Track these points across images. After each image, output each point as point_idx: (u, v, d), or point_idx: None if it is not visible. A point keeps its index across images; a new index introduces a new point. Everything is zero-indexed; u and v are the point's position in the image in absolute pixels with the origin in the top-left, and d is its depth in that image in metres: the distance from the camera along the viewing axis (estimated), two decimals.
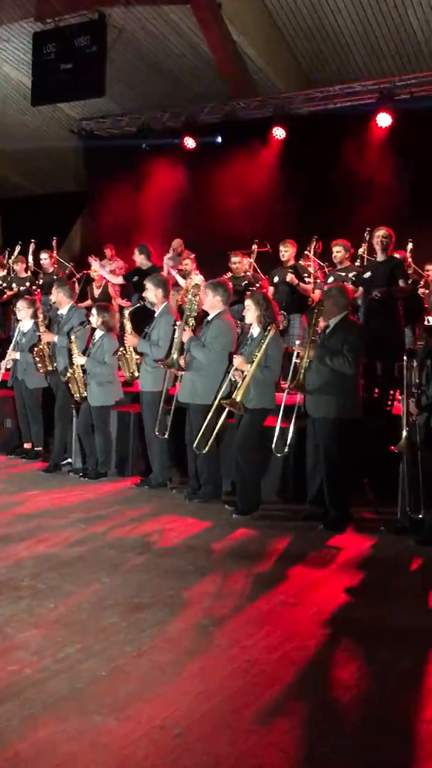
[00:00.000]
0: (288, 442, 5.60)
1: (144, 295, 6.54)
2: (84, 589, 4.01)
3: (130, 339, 6.52)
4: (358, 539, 5.09)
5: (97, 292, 9.60)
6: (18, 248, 10.69)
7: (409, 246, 8.15)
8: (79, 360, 6.72)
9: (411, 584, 4.38)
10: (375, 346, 6.25)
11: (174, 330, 6.10)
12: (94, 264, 9.53)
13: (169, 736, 2.65)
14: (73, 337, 6.76)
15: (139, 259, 8.79)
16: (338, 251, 7.89)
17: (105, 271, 9.43)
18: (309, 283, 8.00)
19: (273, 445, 5.63)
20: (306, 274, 8.05)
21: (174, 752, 2.55)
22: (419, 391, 4.94)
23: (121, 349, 6.74)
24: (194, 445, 5.73)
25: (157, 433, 6.19)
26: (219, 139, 11.80)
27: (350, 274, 7.46)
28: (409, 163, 9.96)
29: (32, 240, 10.50)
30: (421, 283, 7.98)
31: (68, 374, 6.79)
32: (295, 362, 5.48)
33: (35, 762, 2.48)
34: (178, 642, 3.41)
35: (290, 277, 7.92)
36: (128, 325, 6.67)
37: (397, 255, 7.48)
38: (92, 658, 3.22)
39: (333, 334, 5.39)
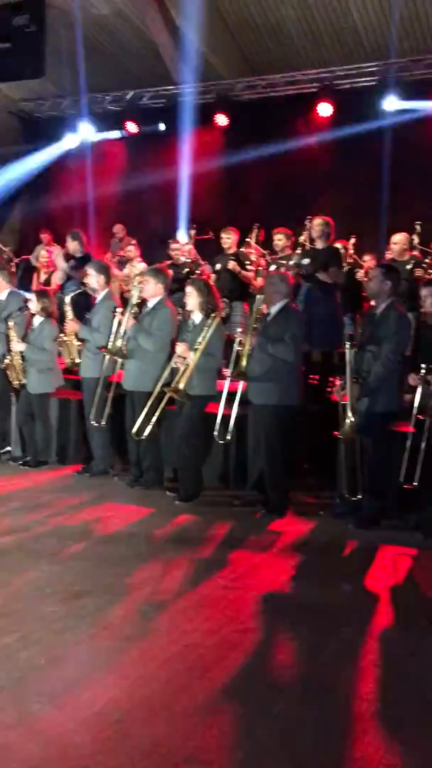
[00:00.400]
0: (230, 429, 5.63)
1: (85, 281, 6.46)
2: (23, 578, 3.97)
3: (71, 325, 6.45)
4: (298, 523, 5.17)
5: (43, 278, 9.42)
6: None
7: (352, 240, 8.29)
8: (17, 346, 6.60)
9: (347, 566, 4.48)
10: (314, 333, 6.34)
11: (114, 316, 6.05)
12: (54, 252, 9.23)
13: (108, 722, 2.65)
14: (11, 323, 6.63)
15: (72, 246, 8.63)
16: (279, 239, 7.96)
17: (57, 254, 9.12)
18: (251, 270, 8.03)
19: (216, 433, 5.66)
20: (248, 262, 8.08)
21: (113, 738, 2.56)
22: (361, 378, 5.02)
23: (62, 335, 6.67)
24: (133, 431, 5.72)
25: (93, 421, 6.14)
26: (162, 127, 11.69)
27: (290, 262, 7.52)
28: (350, 153, 10.07)
29: None
30: (361, 272, 8.11)
31: (6, 361, 6.66)
32: (237, 350, 5.50)
33: None
34: (118, 628, 3.42)
35: (232, 264, 7.94)
36: (69, 311, 6.59)
37: (338, 244, 7.60)
38: (31, 646, 3.20)
39: (274, 321, 5.44)
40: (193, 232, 9.06)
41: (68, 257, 8.51)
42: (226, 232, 8.28)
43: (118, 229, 10.33)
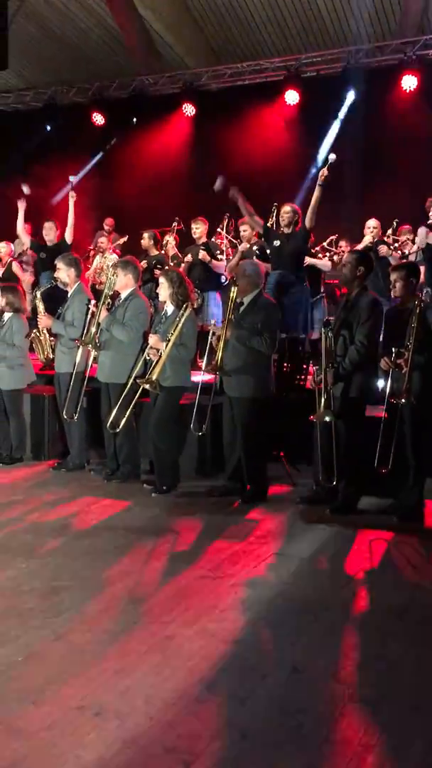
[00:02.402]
0: (206, 420, 5.62)
1: (56, 275, 6.39)
2: (0, 575, 3.94)
3: (44, 320, 6.38)
4: (275, 512, 5.17)
5: (1, 270, 9.29)
6: None
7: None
8: None
9: (324, 552, 4.49)
10: (284, 319, 6.34)
11: (88, 309, 6.00)
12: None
13: (87, 716, 2.64)
14: None
15: (48, 236, 8.57)
16: (245, 230, 7.92)
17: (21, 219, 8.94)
18: (221, 260, 8.01)
19: (191, 425, 5.65)
20: (218, 251, 8.06)
21: (92, 731, 2.55)
22: (336, 363, 5.03)
23: (35, 331, 6.60)
24: (108, 423, 5.69)
25: (65, 416, 6.10)
26: (134, 120, 11.56)
27: (254, 247, 7.55)
28: (317, 140, 10.09)
29: None
30: (336, 258, 8.16)
31: None
32: (211, 342, 5.48)
33: None
34: (97, 622, 3.40)
35: (202, 254, 7.91)
36: (41, 306, 6.52)
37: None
38: (8, 644, 3.17)
39: (247, 312, 5.42)
40: (174, 224, 8.99)
41: (44, 247, 8.45)
42: (195, 222, 8.26)
43: (109, 222, 10.29)
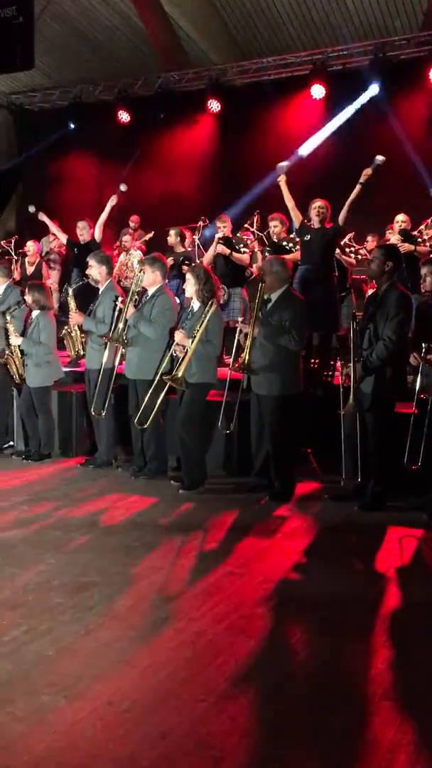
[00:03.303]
0: (233, 417, 5.62)
1: (87, 272, 6.44)
2: (29, 571, 3.96)
3: (75, 317, 6.42)
4: (303, 508, 5.15)
5: (30, 269, 9.37)
6: None
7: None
8: (15, 341, 6.58)
9: (353, 549, 4.47)
10: (311, 316, 6.30)
11: (115, 305, 6.02)
12: (44, 219, 9.09)
13: (117, 712, 2.65)
14: (8, 317, 6.61)
15: (82, 235, 8.63)
16: (275, 225, 7.92)
17: (54, 227, 9.03)
18: (245, 252, 7.99)
19: (219, 422, 5.64)
20: (241, 245, 8.03)
21: (122, 727, 2.56)
22: (362, 356, 4.99)
23: (66, 327, 6.65)
24: (135, 420, 5.71)
25: (93, 412, 6.13)
26: (162, 116, 11.54)
27: (287, 245, 7.52)
28: (344, 134, 10.00)
29: None
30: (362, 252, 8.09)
31: (6, 355, 6.64)
32: (239, 340, 5.46)
33: None
34: (126, 618, 3.41)
35: (220, 248, 7.90)
36: (72, 303, 6.57)
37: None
38: (39, 639, 3.19)
39: (275, 309, 5.40)
40: (200, 223, 8.99)
41: (76, 244, 8.50)
42: (219, 219, 8.26)
43: (135, 219, 10.32)
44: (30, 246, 9.43)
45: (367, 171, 6.77)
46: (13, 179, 13.59)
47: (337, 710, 2.70)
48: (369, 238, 8.49)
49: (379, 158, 6.88)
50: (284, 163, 7.33)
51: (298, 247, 7.44)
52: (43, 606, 3.52)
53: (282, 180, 7.15)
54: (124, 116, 11.74)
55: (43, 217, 8.82)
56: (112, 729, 2.54)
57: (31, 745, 2.45)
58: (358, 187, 6.76)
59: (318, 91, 10.32)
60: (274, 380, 5.29)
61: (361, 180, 6.74)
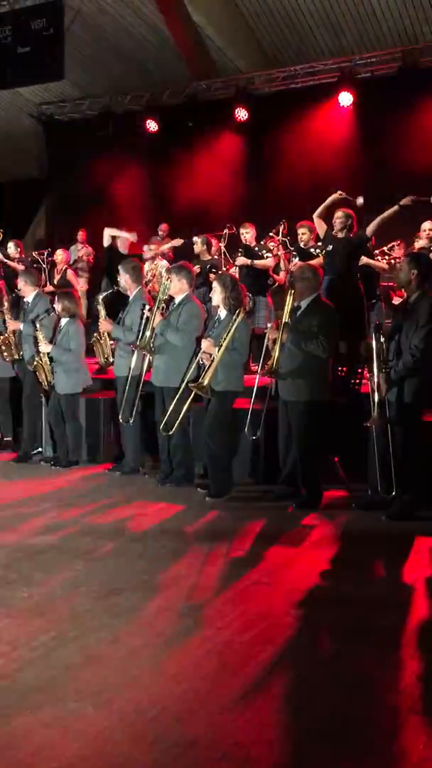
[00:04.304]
0: (260, 425, 5.61)
1: (118, 280, 6.52)
2: (57, 577, 3.99)
3: (104, 325, 6.49)
4: (330, 517, 5.12)
5: (57, 278, 9.48)
6: None
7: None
8: (44, 348, 6.65)
9: (381, 558, 4.43)
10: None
11: (143, 313, 6.05)
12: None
13: (145, 719, 2.65)
14: (38, 325, 6.68)
15: (120, 244, 8.69)
16: (303, 233, 7.91)
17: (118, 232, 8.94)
18: (268, 257, 7.99)
19: (246, 429, 5.64)
20: (264, 251, 8.03)
21: (150, 735, 2.56)
22: (388, 368, 4.97)
23: (96, 335, 6.71)
24: (161, 427, 5.73)
25: (121, 420, 6.17)
26: (190, 124, 11.59)
27: (315, 251, 7.52)
28: (372, 141, 9.97)
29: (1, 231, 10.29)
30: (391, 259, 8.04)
31: (35, 362, 6.71)
32: (267, 346, 5.47)
33: (11, 750, 2.47)
34: (153, 625, 3.42)
35: (242, 260, 7.92)
36: (102, 311, 6.64)
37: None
38: (66, 645, 3.21)
39: (304, 316, 5.39)
40: (225, 231, 9.01)
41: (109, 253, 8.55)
42: (243, 227, 8.28)
43: (164, 228, 10.39)
44: (59, 254, 9.54)
45: (410, 198, 6.75)
46: (43, 188, 13.78)
47: (365, 722, 2.67)
48: (395, 245, 8.43)
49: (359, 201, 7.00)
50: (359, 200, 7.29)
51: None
52: (71, 612, 3.54)
53: (343, 194, 7.12)
54: (152, 125, 11.84)
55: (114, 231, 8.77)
56: (140, 737, 2.55)
57: (59, 752, 2.46)
58: (396, 207, 6.72)
59: (346, 98, 10.31)
60: (303, 386, 5.28)
61: (402, 202, 6.71)
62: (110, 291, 6.99)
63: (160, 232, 10.43)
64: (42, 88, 12.59)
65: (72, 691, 2.84)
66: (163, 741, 2.52)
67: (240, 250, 7.99)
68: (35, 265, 9.63)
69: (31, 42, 10.43)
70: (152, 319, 5.92)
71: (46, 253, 10.23)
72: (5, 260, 9.40)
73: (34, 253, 10.32)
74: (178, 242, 9.67)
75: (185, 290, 5.96)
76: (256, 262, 7.89)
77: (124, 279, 6.40)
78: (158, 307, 5.96)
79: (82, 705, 2.74)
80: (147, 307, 6.08)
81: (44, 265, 9.99)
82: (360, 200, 7.01)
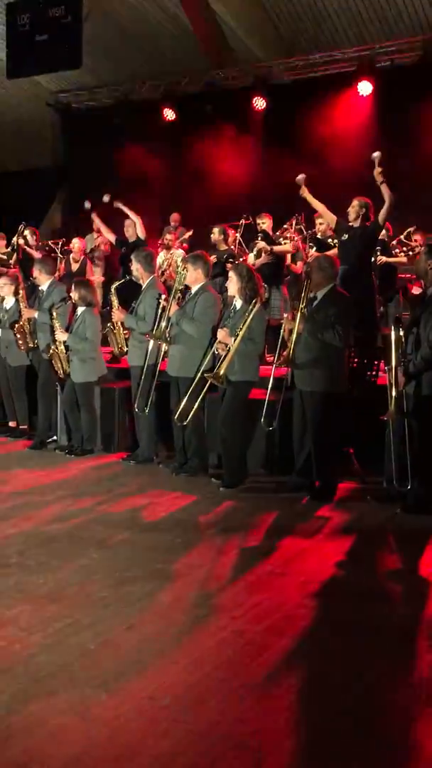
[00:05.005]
0: (277, 415, 5.60)
1: (131, 269, 6.52)
2: (72, 564, 4.01)
3: (117, 314, 6.49)
4: (345, 509, 5.11)
5: (74, 266, 9.48)
6: None
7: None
8: (60, 336, 6.66)
9: (396, 551, 4.42)
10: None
11: (158, 303, 6.05)
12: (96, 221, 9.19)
13: (158, 707, 2.66)
14: (54, 314, 6.70)
15: (128, 233, 8.70)
16: (321, 222, 7.88)
17: (103, 226, 9.08)
18: (284, 243, 7.97)
19: (261, 419, 5.63)
20: (282, 239, 8.01)
21: (164, 722, 2.57)
22: (406, 360, 4.94)
23: (109, 324, 6.71)
24: (176, 417, 5.73)
25: (136, 409, 6.18)
26: (209, 108, 11.49)
27: (332, 241, 7.49)
28: (392, 130, 9.87)
29: (23, 221, 10.29)
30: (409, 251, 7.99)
31: (51, 351, 6.73)
32: (283, 336, 5.45)
33: (26, 735, 2.49)
34: (167, 614, 3.43)
35: (260, 244, 7.89)
36: (115, 301, 6.64)
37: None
38: (81, 632, 3.23)
39: (321, 306, 5.37)
40: (242, 221, 8.99)
41: (124, 242, 8.56)
42: (260, 217, 8.26)
43: (175, 218, 10.36)
44: (75, 243, 9.53)
45: (377, 170, 6.73)
46: (60, 177, 13.77)
47: (379, 714, 2.67)
48: (416, 237, 8.36)
49: (376, 154, 6.89)
50: (302, 176, 7.31)
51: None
52: (85, 600, 3.56)
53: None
54: (169, 114, 11.78)
55: (118, 204, 8.80)
56: (153, 724, 2.56)
57: (73, 738, 2.48)
58: (382, 186, 6.67)
59: (365, 87, 10.21)
60: (319, 376, 5.26)
61: (378, 181, 6.70)
62: (123, 280, 6.99)
63: (172, 222, 10.40)
64: (59, 76, 12.55)
65: (86, 677, 2.86)
66: (177, 729, 2.53)
67: (260, 234, 7.96)
68: (52, 254, 9.63)
69: (49, 30, 10.41)
70: (168, 308, 5.91)
71: (61, 243, 10.22)
72: (25, 246, 9.42)
73: (50, 242, 10.32)
74: (188, 233, 9.66)
75: (201, 280, 5.94)
76: (275, 247, 7.87)
77: (136, 268, 6.39)
78: (174, 297, 5.95)
79: (96, 691, 2.76)
80: (162, 297, 6.07)
81: (60, 255, 9.99)
82: (376, 154, 6.94)
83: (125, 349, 6.61)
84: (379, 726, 2.60)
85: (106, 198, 9.16)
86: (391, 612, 3.52)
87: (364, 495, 5.37)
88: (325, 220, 7.55)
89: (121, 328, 6.63)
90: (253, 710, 2.65)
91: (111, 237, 8.99)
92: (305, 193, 7.18)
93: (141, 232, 8.55)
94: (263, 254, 7.92)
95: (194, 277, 5.94)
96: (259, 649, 3.09)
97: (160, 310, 6.02)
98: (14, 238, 9.43)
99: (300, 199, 7.50)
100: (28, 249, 9.43)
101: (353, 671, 2.97)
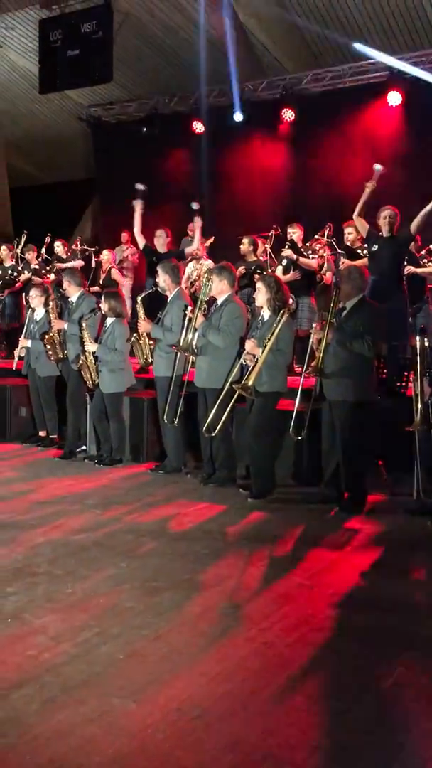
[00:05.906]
0: (305, 425, 5.58)
1: (157, 280, 6.55)
2: (101, 574, 4.03)
3: (143, 325, 6.53)
4: (374, 521, 5.06)
5: (102, 277, 9.58)
6: (24, 237, 10.64)
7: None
8: (90, 347, 6.72)
9: (426, 565, 4.36)
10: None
11: (185, 314, 6.07)
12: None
13: (187, 718, 2.65)
14: (84, 325, 6.76)
15: (158, 243, 8.71)
16: (350, 232, 7.87)
17: (139, 223, 8.65)
18: (312, 257, 7.95)
19: (290, 429, 5.61)
20: (310, 252, 8.00)
21: (193, 734, 2.56)
22: (431, 371, 4.90)
23: (135, 335, 6.75)
24: (204, 428, 5.74)
25: (166, 421, 6.20)
26: (239, 117, 11.50)
27: (361, 251, 7.47)
28: (422, 141, 9.83)
29: (48, 233, 10.45)
30: None
31: (80, 362, 6.79)
32: (311, 347, 5.44)
33: (54, 744, 2.49)
34: (195, 625, 3.42)
35: (287, 252, 7.88)
36: (141, 311, 6.68)
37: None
38: (110, 641, 3.24)
39: (350, 316, 5.35)
40: (272, 232, 8.98)
41: (155, 252, 8.58)
42: (291, 226, 8.26)
43: (192, 228, 10.40)
44: (105, 254, 9.64)
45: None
46: (90, 190, 13.93)
47: (409, 728, 2.63)
48: None
49: (378, 167, 6.89)
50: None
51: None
52: (114, 609, 3.57)
53: (371, 185, 6.96)
54: (198, 126, 11.87)
55: (138, 205, 8.60)
56: (182, 736, 2.55)
57: (102, 748, 2.48)
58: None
59: (395, 98, 10.19)
60: (348, 385, 5.23)
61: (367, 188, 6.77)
62: (150, 291, 7.04)
63: (190, 233, 10.42)
64: (90, 90, 12.73)
65: (115, 687, 2.86)
66: (206, 741, 2.52)
67: (287, 242, 7.96)
68: (90, 256, 9.74)
69: (81, 45, 10.56)
70: (194, 320, 5.93)
71: (93, 251, 10.35)
72: (61, 264, 9.53)
73: (84, 245, 10.42)
74: (209, 240, 9.63)
75: (226, 291, 5.95)
76: (301, 259, 7.87)
77: (163, 279, 6.43)
78: (200, 308, 5.97)
79: (124, 701, 2.76)
80: (189, 308, 6.09)
81: (91, 264, 10.11)
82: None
83: (150, 359, 6.64)
84: (409, 741, 2.56)
85: (141, 186, 8.86)
86: (419, 626, 3.47)
87: (393, 507, 5.32)
88: (357, 227, 7.52)
89: (147, 339, 6.67)
90: (283, 723, 2.63)
91: (140, 240, 8.81)
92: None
93: (162, 247, 8.43)
94: (291, 271, 7.92)
95: (220, 288, 5.96)
96: (287, 662, 3.07)
97: (186, 322, 6.05)
98: (42, 250, 9.56)
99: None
100: (64, 265, 9.53)
101: (384, 684, 2.94)
